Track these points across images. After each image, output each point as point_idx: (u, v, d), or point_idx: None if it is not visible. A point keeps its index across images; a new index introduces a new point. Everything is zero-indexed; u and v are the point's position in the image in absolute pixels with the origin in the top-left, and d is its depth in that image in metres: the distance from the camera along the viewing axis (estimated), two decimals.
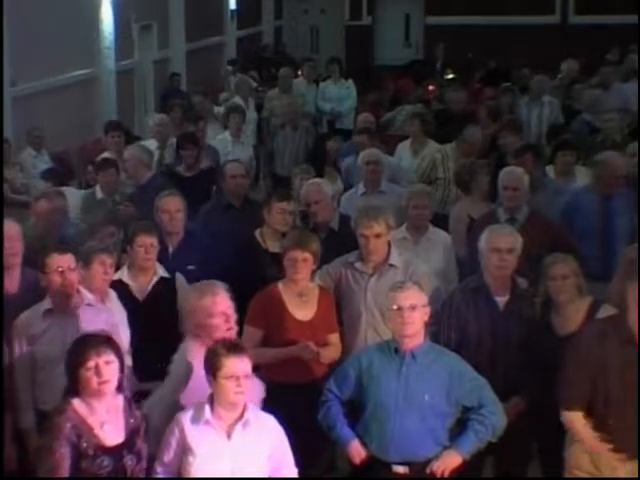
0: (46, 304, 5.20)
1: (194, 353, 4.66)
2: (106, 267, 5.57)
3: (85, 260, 5.45)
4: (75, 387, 4.23)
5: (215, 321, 4.70)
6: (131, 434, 4.28)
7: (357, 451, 4.85)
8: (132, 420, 4.30)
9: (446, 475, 4.79)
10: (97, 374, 4.16)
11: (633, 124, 9.94)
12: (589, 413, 4.83)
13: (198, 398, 4.37)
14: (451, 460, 4.79)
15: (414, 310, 4.72)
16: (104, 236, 6.36)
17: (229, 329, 4.70)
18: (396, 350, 4.80)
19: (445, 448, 4.80)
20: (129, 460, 4.24)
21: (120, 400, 4.31)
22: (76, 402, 4.22)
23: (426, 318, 4.82)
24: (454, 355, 4.92)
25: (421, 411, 4.72)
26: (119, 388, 4.28)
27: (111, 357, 4.21)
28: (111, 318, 5.37)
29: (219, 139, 10.10)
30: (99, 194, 7.93)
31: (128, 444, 4.26)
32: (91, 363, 4.16)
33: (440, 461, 4.77)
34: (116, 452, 4.21)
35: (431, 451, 4.79)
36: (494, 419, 4.81)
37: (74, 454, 4.14)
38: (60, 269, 5.13)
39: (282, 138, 10.19)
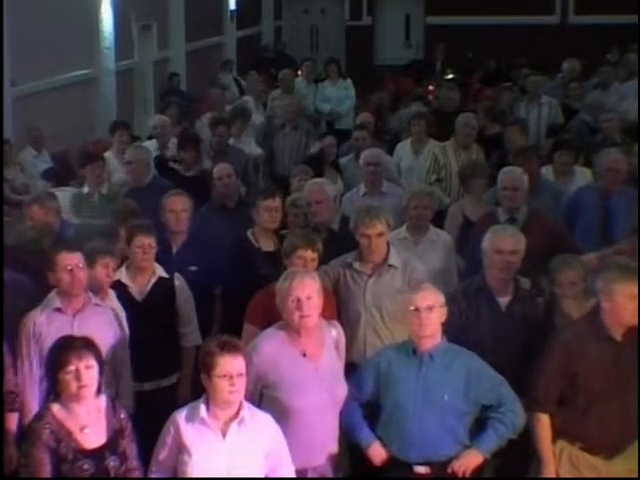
0: (54, 303, 5.21)
1: (268, 337, 4.77)
2: (109, 269, 5.58)
3: (88, 261, 5.45)
4: (55, 389, 4.24)
5: (288, 305, 4.71)
6: (114, 435, 4.28)
7: (378, 452, 4.87)
8: (115, 421, 4.31)
9: (467, 474, 4.81)
10: (77, 378, 4.17)
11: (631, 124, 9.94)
12: (570, 409, 4.88)
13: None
14: (472, 459, 4.82)
15: (431, 311, 4.75)
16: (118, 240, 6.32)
17: (302, 316, 4.69)
18: (414, 351, 4.82)
19: (465, 447, 4.82)
20: (112, 462, 4.25)
21: (102, 402, 4.32)
22: (55, 407, 4.23)
23: (443, 318, 4.84)
24: (472, 354, 4.92)
25: (441, 411, 4.74)
26: (99, 390, 4.29)
27: (91, 362, 4.23)
28: (118, 319, 5.40)
29: None
30: (86, 189, 8.00)
31: (110, 446, 4.26)
32: (71, 367, 4.18)
33: (461, 460, 4.80)
34: (97, 454, 4.22)
35: (452, 450, 4.81)
36: (513, 417, 4.83)
37: (54, 459, 4.15)
38: (69, 267, 5.14)
39: (282, 138, 10.18)
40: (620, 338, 4.80)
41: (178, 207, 6.53)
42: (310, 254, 5.46)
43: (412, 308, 4.77)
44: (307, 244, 5.49)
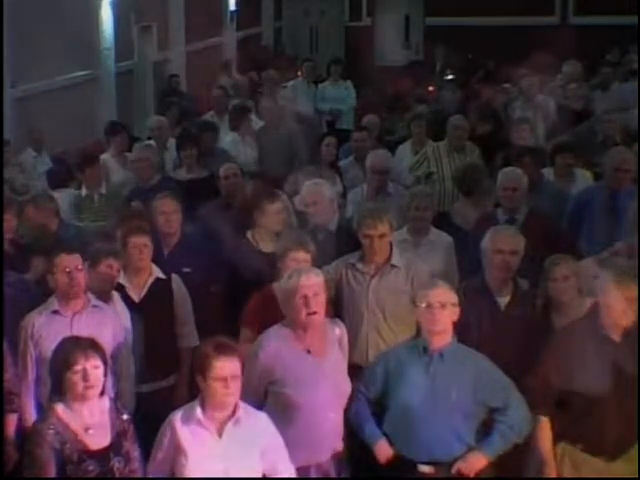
0: (53, 305, 5.20)
1: (273, 334, 4.79)
2: (113, 270, 5.57)
3: (92, 262, 5.44)
4: (59, 389, 4.22)
5: (295, 303, 4.72)
6: (117, 436, 4.28)
7: (384, 450, 4.86)
8: (118, 422, 4.30)
9: (471, 476, 4.79)
10: (84, 378, 4.16)
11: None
12: (570, 411, 4.87)
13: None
14: (476, 461, 4.80)
15: (443, 308, 4.74)
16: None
17: (310, 313, 4.70)
18: (424, 349, 4.81)
19: (470, 448, 4.80)
20: (116, 462, 4.24)
21: (105, 402, 4.31)
22: (59, 408, 4.21)
23: (455, 317, 4.82)
24: (481, 355, 4.91)
25: (448, 411, 4.73)
26: (102, 392, 4.28)
27: (98, 362, 4.22)
28: (118, 320, 5.38)
29: (229, 140, 10.07)
30: (84, 191, 8.02)
31: (114, 447, 4.26)
32: (78, 367, 4.17)
33: (465, 462, 4.78)
34: (102, 455, 4.22)
35: (457, 451, 4.79)
36: (520, 421, 4.82)
37: (59, 460, 4.13)
38: (67, 269, 5.12)
39: (265, 139, 10.07)
40: (618, 339, 4.80)
41: (168, 209, 6.54)
42: (303, 255, 5.47)
43: (424, 305, 4.75)
44: (299, 246, 5.51)
